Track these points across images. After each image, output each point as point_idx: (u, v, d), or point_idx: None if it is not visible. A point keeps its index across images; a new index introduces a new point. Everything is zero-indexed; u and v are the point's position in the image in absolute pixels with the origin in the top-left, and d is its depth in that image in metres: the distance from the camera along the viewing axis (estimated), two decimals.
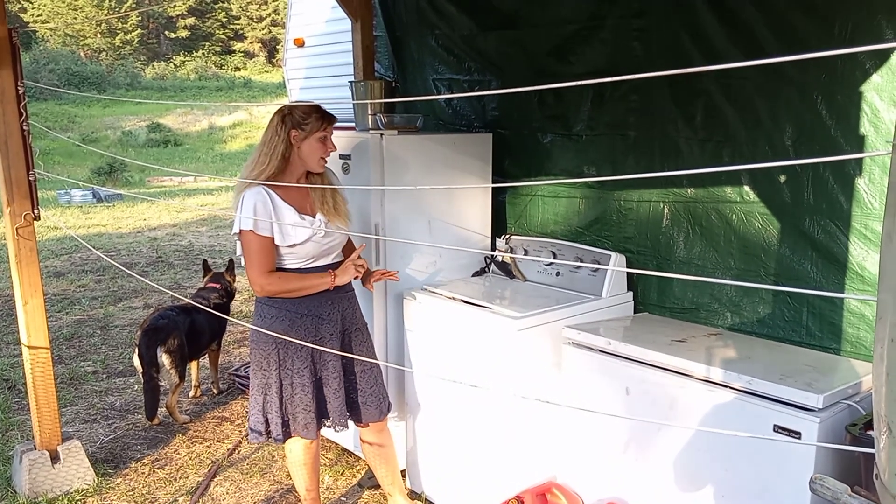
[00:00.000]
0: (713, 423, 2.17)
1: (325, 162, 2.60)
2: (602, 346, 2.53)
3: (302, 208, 2.56)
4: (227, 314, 4.36)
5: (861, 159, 2.28)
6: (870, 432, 1.76)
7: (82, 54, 35.41)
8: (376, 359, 2.83)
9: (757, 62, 1.11)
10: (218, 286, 4.46)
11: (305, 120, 2.51)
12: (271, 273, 2.51)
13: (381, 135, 3.03)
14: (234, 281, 4.59)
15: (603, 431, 2.56)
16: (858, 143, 2.29)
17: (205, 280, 4.55)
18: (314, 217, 2.57)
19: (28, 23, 34.91)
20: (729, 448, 2.15)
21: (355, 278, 2.66)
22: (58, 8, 36.71)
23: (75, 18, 36.02)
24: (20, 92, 3.08)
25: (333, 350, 2.57)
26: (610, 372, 2.49)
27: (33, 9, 36.50)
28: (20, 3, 35.79)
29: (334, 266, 2.66)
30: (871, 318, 2.32)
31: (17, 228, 3.11)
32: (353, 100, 3.52)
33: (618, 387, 2.46)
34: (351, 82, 3.61)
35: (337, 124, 2.63)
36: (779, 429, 2.01)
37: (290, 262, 2.57)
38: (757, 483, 2.08)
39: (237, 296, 6.52)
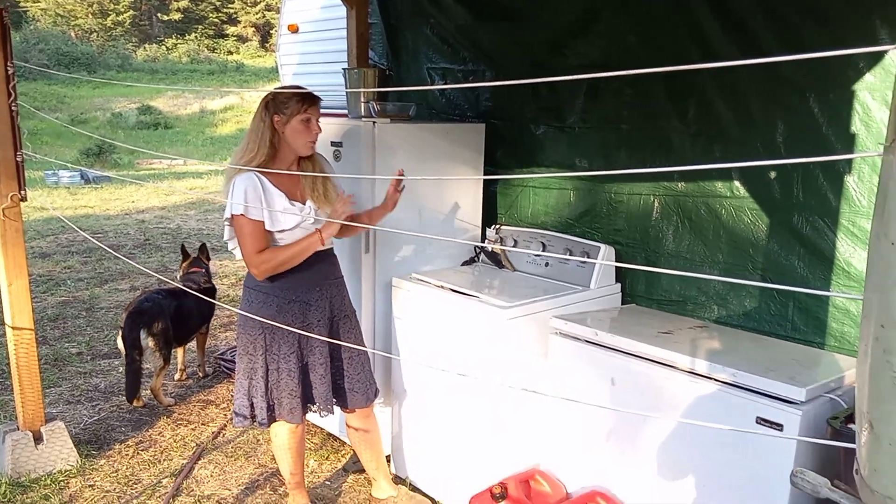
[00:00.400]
0: (697, 415, 2.19)
1: (313, 145, 2.58)
2: (589, 336, 2.54)
3: (292, 194, 2.55)
4: (214, 298, 4.35)
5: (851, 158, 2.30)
6: (850, 426, 1.78)
7: (73, 35, 34.99)
8: (364, 346, 2.83)
9: (752, 61, 1.12)
10: (202, 270, 4.45)
11: (286, 104, 2.50)
12: (262, 251, 2.50)
13: (374, 122, 3.02)
14: (208, 261, 4.61)
15: (588, 420, 2.58)
16: (849, 141, 2.30)
17: (185, 265, 4.53)
18: (304, 203, 2.56)
19: (19, 2, 34.47)
20: (712, 439, 2.17)
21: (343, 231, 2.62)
22: None
23: None
24: (9, 72, 3.05)
25: (321, 336, 2.56)
26: (596, 362, 2.50)
27: None
28: None
29: (326, 252, 2.66)
30: (856, 314, 2.35)
31: (3, 209, 3.08)
32: (346, 87, 3.50)
33: (604, 377, 2.48)
34: (344, 69, 3.60)
35: (330, 111, 2.61)
36: (761, 421, 2.03)
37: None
38: (739, 474, 2.11)
39: (224, 280, 6.52)
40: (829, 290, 2.39)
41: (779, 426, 1.99)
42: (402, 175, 2.74)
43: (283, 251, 2.52)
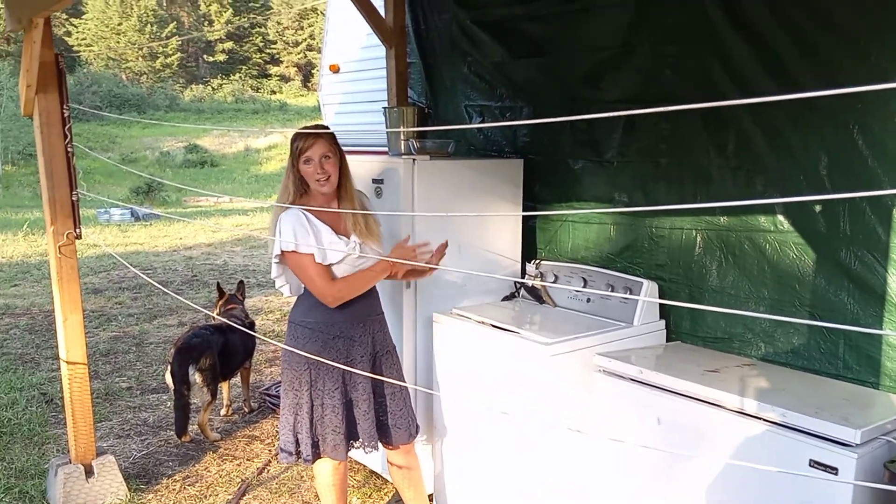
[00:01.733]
0: (746, 456, 2.13)
1: (322, 183, 2.55)
2: (633, 374, 2.51)
3: (337, 228, 2.59)
4: (253, 332, 4.42)
5: None
6: None
7: (124, 77, 36.47)
8: (405, 381, 2.84)
9: (790, 97, 1.12)
10: (238, 307, 4.52)
11: (293, 144, 2.56)
12: (335, 281, 2.54)
13: (414, 160, 3.07)
14: (244, 299, 4.66)
15: (634, 460, 2.53)
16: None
17: (220, 302, 4.58)
18: (349, 238, 2.60)
19: (73, 46, 36.11)
20: (762, 482, 2.11)
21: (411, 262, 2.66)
22: (101, 32, 37.93)
23: (118, 42, 37.16)
24: (65, 115, 3.18)
25: (364, 372, 2.58)
26: (641, 401, 2.47)
27: (78, 32, 37.76)
28: (65, 27, 37.05)
29: (368, 289, 2.69)
30: None
31: (59, 247, 3.20)
32: (387, 125, 3.57)
33: (649, 416, 2.44)
34: (384, 108, 3.68)
35: (371, 149, 2.66)
36: (815, 464, 1.97)
37: None
38: None
39: (269, 315, 6.63)
40: (881, 327, 2.32)
41: (833, 469, 1.92)
42: (445, 247, 2.78)
43: (356, 278, 2.57)
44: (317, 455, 2.67)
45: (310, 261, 2.51)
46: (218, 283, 4.84)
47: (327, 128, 2.66)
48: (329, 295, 2.53)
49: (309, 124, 2.78)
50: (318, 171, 2.53)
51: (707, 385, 2.29)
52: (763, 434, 2.10)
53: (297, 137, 2.55)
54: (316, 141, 2.52)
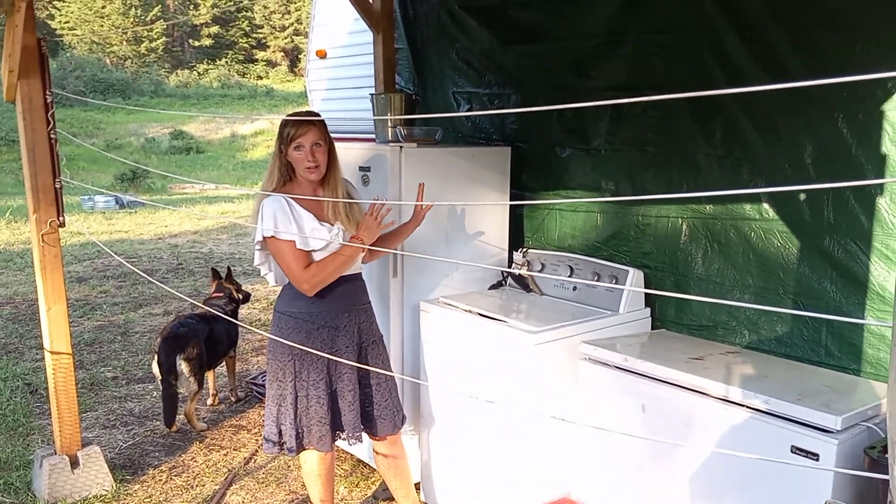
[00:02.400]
0: (730, 443, 2.15)
1: (312, 171, 2.54)
2: (619, 362, 2.52)
3: (320, 216, 2.58)
4: (237, 317, 4.39)
5: (884, 177, 2.26)
6: (888, 456, 1.74)
7: (108, 61, 35.98)
8: (391, 371, 2.84)
9: (780, 86, 1.12)
10: (221, 294, 4.49)
11: (283, 131, 2.54)
12: (308, 267, 2.52)
13: (401, 147, 3.05)
14: (236, 289, 4.58)
15: (619, 448, 2.55)
16: (880, 162, 2.27)
17: (213, 285, 4.58)
18: (332, 225, 2.59)
19: (56, 29, 35.56)
20: (745, 468, 2.13)
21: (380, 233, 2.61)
22: (85, 15, 37.36)
23: (102, 26, 36.64)
24: (48, 101, 3.14)
25: (349, 362, 2.58)
26: (626, 388, 2.48)
27: (61, 16, 37.17)
28: (48, 10, 36.49)
29: (354, 277, 2.68)
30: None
31: (42, 235, 3.17)
32: (374, 112, 3.55)
33: (634, 403, 2.45)
34: (372, 94, 3.65)
35: (358, 135, 2.65)
36: (796, 450, 1.99)
37: None
38: (773, 503, 2.06)
39: (256, 304, 6.60)
40: (863, 314, 2.35)
41: (815, 456, 1.95)
42: (423, 190, 2.74)
43: (329, 262, 2.54)
44: (300, 446, 2.67)
45: (289, 247, 2.50)
46: (213, 268, 4.78)
47: (318, 115, 2.64)
48: (304, 281, 2.52)
49: (299, 110, 2.75)
50: (308, 159, 2.52)
51: (691, 373, 2.31)
52: (746, 421, 2.12)
53: (288, 123, 2.53)
54: (309, 129, 2.51)
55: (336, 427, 2.67)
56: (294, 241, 2.50)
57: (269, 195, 2.54)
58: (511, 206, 3.48)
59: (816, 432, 1.96)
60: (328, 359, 2.56)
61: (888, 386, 0.89)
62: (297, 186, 2.60)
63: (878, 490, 1.80)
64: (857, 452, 1.93)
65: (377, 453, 2.89)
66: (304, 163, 2.53)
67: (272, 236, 2.50)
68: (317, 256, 2.55)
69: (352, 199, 2.69)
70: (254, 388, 4.58)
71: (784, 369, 2.42)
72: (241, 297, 4.59)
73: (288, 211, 2.52)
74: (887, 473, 1.05)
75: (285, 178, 2.59)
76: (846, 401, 2.09)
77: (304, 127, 2.51)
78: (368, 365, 2.69)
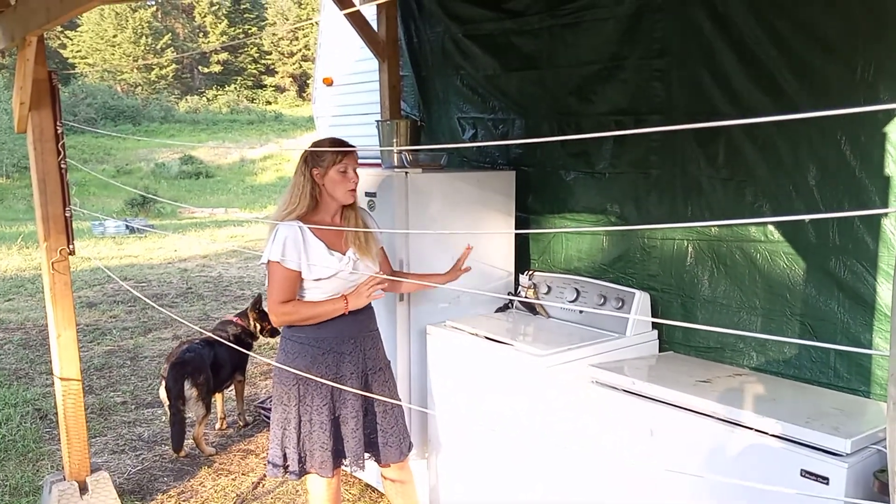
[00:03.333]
0: (738, 466, 2.14)
1: (353, 193, 2.63)
2: (626, 385, 2.52)
3: (333, 244, 2.61)
4: (248, 347, 4.38)
5: (888, 199, 2.27)
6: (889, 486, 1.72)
7: (119, 88, 36.48)
8: (398, 398, 2.84)
9: (782, 117, 1.14)
10: (236, 320, 4.46)
11: (322, 156, 2.58)
12: (286, 302, 2.56)
13: (406, 172, 3.08)
14: (256, 317, 4.47)
15: (628, 472, 2.53)
16: (884, 184, 2.28)
17: (253, 316, 4.49)
18: (344, 254, 2.61)
19: (67, 59, 36.13)
20: (754, 492, 2.11)
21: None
22: (96, 44, 37.95)
23: (113, 55, 37.19)
24: (59, 132, 3.19)
25: (353, 389, 2.58)
26: (634, 412, 2.47)
27: (72, 45, 37.78)
28: (60, 39, 37.09)
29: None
30: None
31: (52, 263, 3.20)
32: (380, 138, 3.59)
33: (642, 427, 2.44)
34: (378, 121, 3.69)
35: (363, 161, 2.69)
36: (806, 473, 1.97)
37: (312, 296, 2.62)
38: None
39: None
40: (870, 335, 2.34)
41: (824, 479, 1.93)
42: (469, 252, 2.87)
43: (307, 309, 2.58)
44: (303, 470, 2.66)
45: (281, 275, 2.54)
46: (258, 294, 4.61)
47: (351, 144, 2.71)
48: (275, 314, 2.57)
49: (327, 136, 2.86)
50: (352, 181, 2.61)
51: (699, 396, 2.30)
52: (755, 444, 2.11)
53: (330, 149, 2.60)
54: (352, 153, 2.62)
55: (339, 453, 2.67)
56: (293, 272, 2.54)
57: (287, 219, 2.59)
58: (516, 228, 3.49)
59: (826, 455, 1.95)
60: (332, 386, 2.57)
61: (887, 418, 0.90)
62: (318, 213, 2.63)
63: None
64: (868, 475, 1.91)
65: (385, 478, 2.88)
66: (347, 185, 2.60)
67: (278, 262, 2.53)
68: (326, 284, 2.57)
69: (367, 227, 2.71)
70: (262, 412, 4.57)
71: (792, 392, 2.41)
72: (259, 328, 4.47)
73: (300, 240, 2.55)
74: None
75: (311, 204, 2.62)
76: (855, 423, 2.08)
77: (348, 151, 2.61)
78: (373, 392, 2.69)
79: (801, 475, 1.97)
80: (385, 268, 2.83)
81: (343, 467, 2.72)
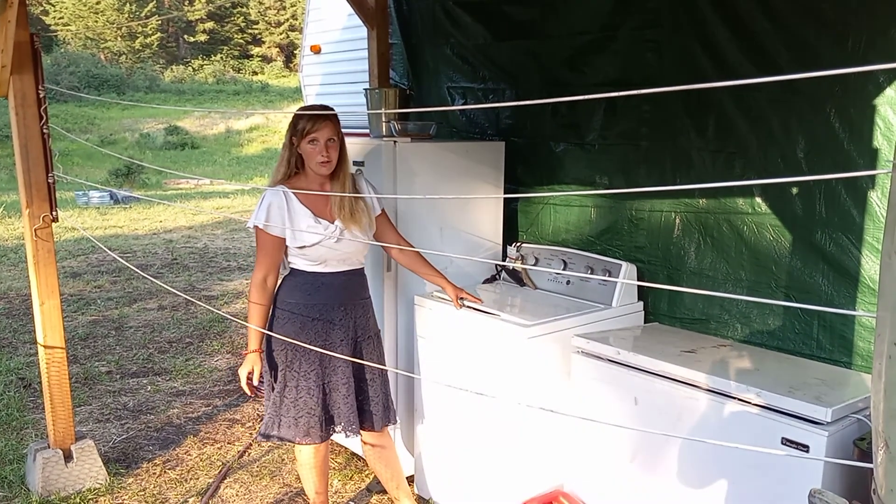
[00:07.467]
0: (721, 435, 2.17)
1: (324, 165, 2.55)
2: (611, 355, 2.54)
3: (319, 212, 2.58)
4: None
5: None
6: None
7: (102, 57, 35.84)
8: (386, 367, 2.84)
9: (771, 79, 1.12)
10: None
11: (297, 124, 2.55)
12: (260, 286, 2.59)
13: (395, 142, 3.06)
14: None
15: (611, 441, 2.56)
16: (871, 156, 2.28)
17: None
18: (332, 222, 2.59)
19: (49, 25, 35.39)
20: (738, 460, 2.15)
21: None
22: (79, 11, 37.20)
23: (96, 22, 36.47)
24: (41, 96, 3.13)
25: (343, 356, 2.59)
26: (619, 381, 2.49)
27: (55, 12, 37.01)
28: (42, 5, 36.31)
29: (355, 272, 2.68)
30: None
31: (35, 230, 3.16)
32: (368, 107, 3.55)
33: (626, 396, 2.47)
34: (366, 89, 3.65)
35: (352, 130, 2.65)
36: (787, 442, 2.00)
37: (300, 264, 2.61)
38: (765, 495, 2.08)
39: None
40: (854, 307, 2.36)
41: (805, 447, 1.96)
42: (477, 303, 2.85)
43: (253, 313, 2.60)
44: (291, 436, 2.67)
45: (265, 239, 2.56)
46: None
47: (333, 110, 2.64)
48: (253, 282, 2.61)
49: (313, 104, 2.80)
50: (321, 154, 2.53)
51: (684, 365, 2.32)
52: (738, 413, 2.13)
53: (303, 117, 2.55)
54: (325, 124, 2.53)
55: (329, 420, 2.68)
56: (272, 237, 2.54)
57: (275, 185, 2.58)
58: (505, 200, 3.48)
59: (807, 424, 1.98)
60: (321, 352, 2.57)
61: (872, 376, 0.91)
62: (305, 179, 2.61)
63: (868, 481, 1.81)
64: (848, 444, 1.95)
65: (364, 443, 2.89)
66: (316, 157, 2.54)
67: (262, 228, 2.55)
68: (312, 251, 2.56)
69: (360, 192, 2.68)
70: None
71: (776, 362, 2.43)
72: None
73: (284, 206, 2.53)
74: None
75: (294, 169, 2.61)
76: (837, 393, 2.11)
77: (320, 122, 2.52)
78: (363, 359, 2.70)
79: (782, 443, 2.00)
80: (389, 236, 2.79)
81: (336, 433, 2.73)
